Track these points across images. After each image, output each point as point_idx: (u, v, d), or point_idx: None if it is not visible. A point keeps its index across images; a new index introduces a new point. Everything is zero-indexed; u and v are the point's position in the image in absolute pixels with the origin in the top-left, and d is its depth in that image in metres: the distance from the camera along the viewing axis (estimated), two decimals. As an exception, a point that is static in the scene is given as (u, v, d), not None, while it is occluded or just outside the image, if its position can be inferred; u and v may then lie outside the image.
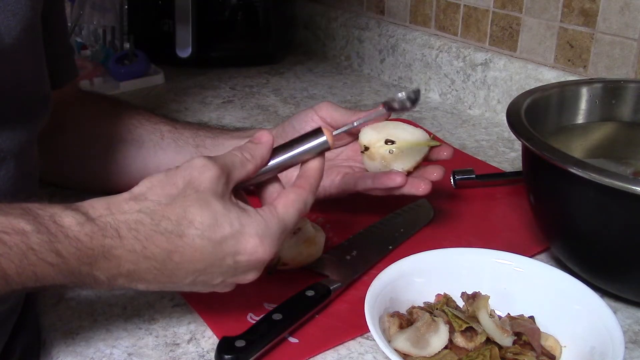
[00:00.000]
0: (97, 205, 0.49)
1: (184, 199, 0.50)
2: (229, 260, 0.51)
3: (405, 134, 0.67)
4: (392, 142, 0.66)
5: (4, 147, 0.58)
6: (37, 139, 0.64)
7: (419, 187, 0.66)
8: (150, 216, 0.49)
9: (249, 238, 0.51)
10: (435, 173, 0.67)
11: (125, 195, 0.51)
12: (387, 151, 0.66)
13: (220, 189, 0.51)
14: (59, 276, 0.47)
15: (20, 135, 0.59)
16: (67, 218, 0.48)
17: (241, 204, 0.53)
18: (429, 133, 0.70)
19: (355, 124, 0.60)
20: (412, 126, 0.69)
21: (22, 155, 0.59)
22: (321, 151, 0.56)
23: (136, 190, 0.51)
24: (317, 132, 0.56)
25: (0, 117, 0.57)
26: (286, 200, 0.54)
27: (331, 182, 0.70)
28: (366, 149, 0.67)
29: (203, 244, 0.50)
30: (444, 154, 0.69)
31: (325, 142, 0.56)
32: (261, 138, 0.55)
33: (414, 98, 0.58)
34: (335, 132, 0.57)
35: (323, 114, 0.70)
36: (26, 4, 0.56)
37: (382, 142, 0.66)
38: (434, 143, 0.68)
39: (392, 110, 0.60)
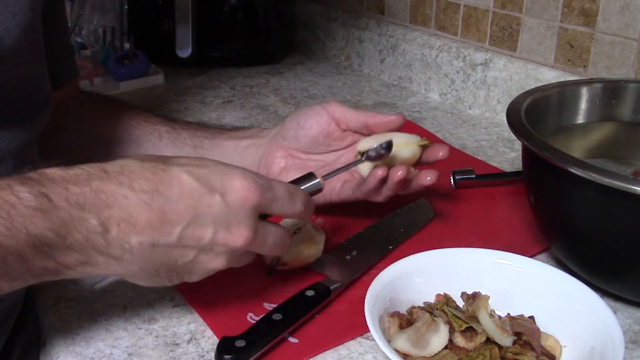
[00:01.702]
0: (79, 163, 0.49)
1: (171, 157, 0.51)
2: (217, 199, 0.49)
3: (398, 139, 0.68)
4: None
5: (2, 148, 0.58)
6: (37, 139, 0.64)
7: (426, 177, 0.66)
8: (136, 159, 0.49)
9: (235, 176, 0.50)
10: (429, 177, 0.66)
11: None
12: None
13: None
14: (51, 228, 0.44)
15: (20, 135, 0.59)
16: (49, 169, 0.46)
17: None
18: (421, 136, 0.70)
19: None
20: (405, 133, 0.69)
21: (21, 156, 0.59)
22: (315, 190, 0.60)
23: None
24: (309, 176, 0.60)
25: (2, 119, 0.57)
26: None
27: (332, 188, 0.70)
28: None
29: (188, 178, 0.49)
30: (440, 154, 0.69)
31: (319, 183, 0.60)
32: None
33: (386, 146, 0.64)
34: (325, 177, 0.61)
35: (334, 110, 0.70)
36: (26, 5, 0.56)
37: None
38: (424, 142, 0.68)
39: (369, 159, 0.65)
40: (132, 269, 0.49)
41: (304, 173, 0.61)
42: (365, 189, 0.67)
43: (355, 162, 0.66)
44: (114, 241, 0.47)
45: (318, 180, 0.60)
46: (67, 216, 0.45)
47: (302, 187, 0.58)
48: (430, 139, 0.69)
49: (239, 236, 0.50)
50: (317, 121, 0.70)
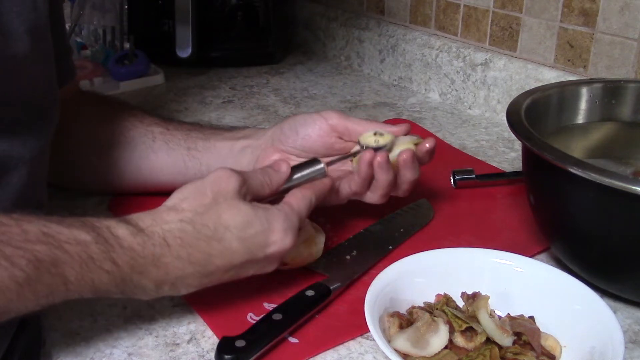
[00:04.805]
0: (144, 218, 0.54)
1: (216, 206, 0.56)
2: (260, 254, 0.57)
3: (398, 140, 0.68)
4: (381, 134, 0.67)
5: (16, 155, 0.57)
6: (49, 145, 0.63)
7: (425, 145, 0.67)
8: (191, 225, 0.54)
9: (276, 232, 0.57)
10: (428, 144, 0.67)
11: (162, 207, 0.56)
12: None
13: (243, 194, 0.57)
14: (112, 284, 0.51)
15: (33, 141, 0.59)
16: (121, 229, 0.52)
17: (260, 204, 0.59)
18: (420, 137, 0.70)
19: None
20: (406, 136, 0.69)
21: (34, 163, 0.59)
22: (318, 175, 0.64)
23: (170, 202, 0.57)
24: (314, 161, 0.64)
25: (15, 124, 0.57)
26: (296, 197, 0.60)
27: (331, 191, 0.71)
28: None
29: (239, 245, 0.55)
30: (426, 145, 0.67)
31: (322, 168, 0.64)
32: (281, 167, 0.62)
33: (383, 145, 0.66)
34: (328, 160, 0.65)
35: (335, 123, 0.69)
36: (29, 4, 0.56)
37: (371, 138, 0.67)
38: (418, 140, 0.67)
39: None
40: None
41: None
42: (358, 179, 0.66)
43: (357, 152, 0.67)
44: (163, 293, 0.55)
45: (322, 165, 0.64)
46: (129, 279, 0.52)
47: (306, 171, 0.63)
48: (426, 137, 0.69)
49: (266, 270, 0.59)
50: (318, 134, 0.69)
